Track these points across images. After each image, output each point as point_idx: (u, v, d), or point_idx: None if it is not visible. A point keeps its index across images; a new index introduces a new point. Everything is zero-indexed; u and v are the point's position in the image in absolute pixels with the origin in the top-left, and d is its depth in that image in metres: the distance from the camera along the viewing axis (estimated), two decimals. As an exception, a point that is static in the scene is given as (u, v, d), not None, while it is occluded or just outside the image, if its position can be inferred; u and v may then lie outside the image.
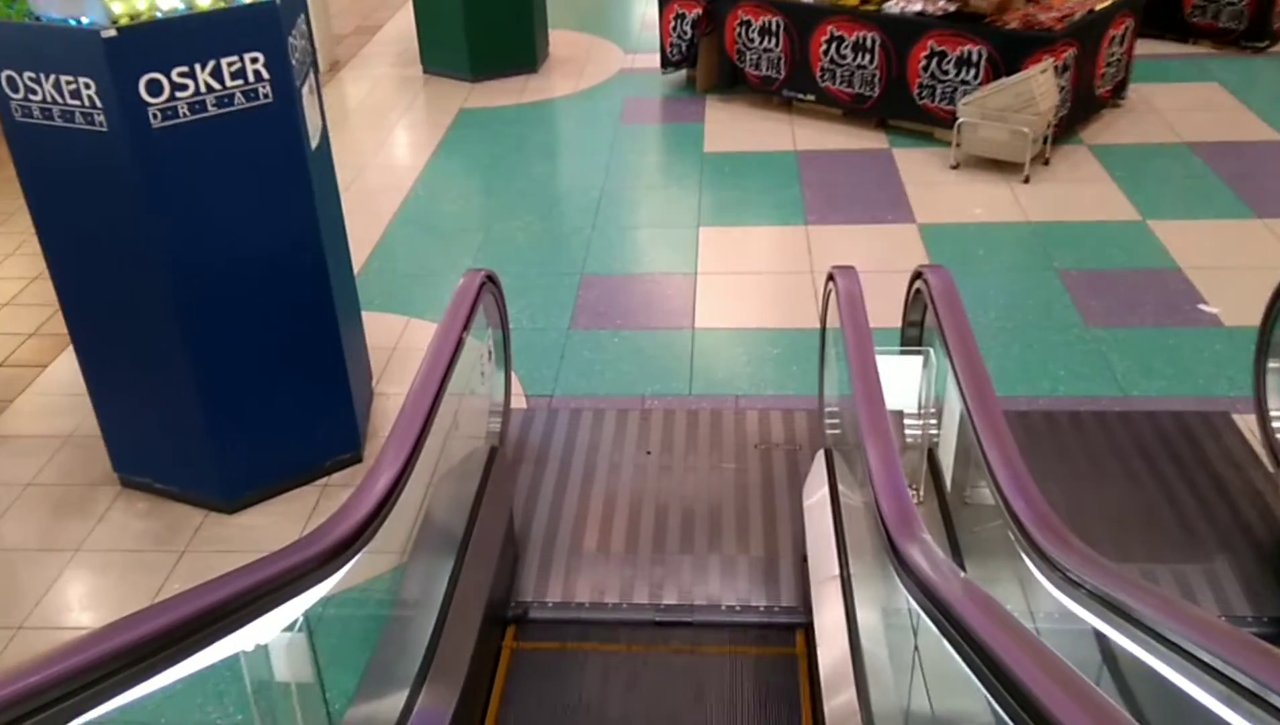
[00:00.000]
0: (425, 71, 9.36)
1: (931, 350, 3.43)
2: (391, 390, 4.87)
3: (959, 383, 3.03)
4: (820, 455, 3.80)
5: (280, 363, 4.00)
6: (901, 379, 3.48)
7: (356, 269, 5.98)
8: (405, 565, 3.68)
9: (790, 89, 7.94)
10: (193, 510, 4.18)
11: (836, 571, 3.23)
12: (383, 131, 8.21)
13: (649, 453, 4.38)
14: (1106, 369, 4.78)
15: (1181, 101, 7.88)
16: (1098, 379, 4.72)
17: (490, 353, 3.89)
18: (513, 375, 4.90)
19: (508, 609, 3.65)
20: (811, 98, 7.84)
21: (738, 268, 5.87)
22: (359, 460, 4.41)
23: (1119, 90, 7.72)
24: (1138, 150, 7.10)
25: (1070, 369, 4.79)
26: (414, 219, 6.69)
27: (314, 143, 3.86)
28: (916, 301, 3.79)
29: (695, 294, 5.60)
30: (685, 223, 6.43)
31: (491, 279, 3.79)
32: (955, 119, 6.86)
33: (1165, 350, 4.90)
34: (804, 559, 3.63)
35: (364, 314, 4.98)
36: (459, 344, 3.27)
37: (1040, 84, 6.46)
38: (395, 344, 5.24)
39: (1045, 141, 6.80)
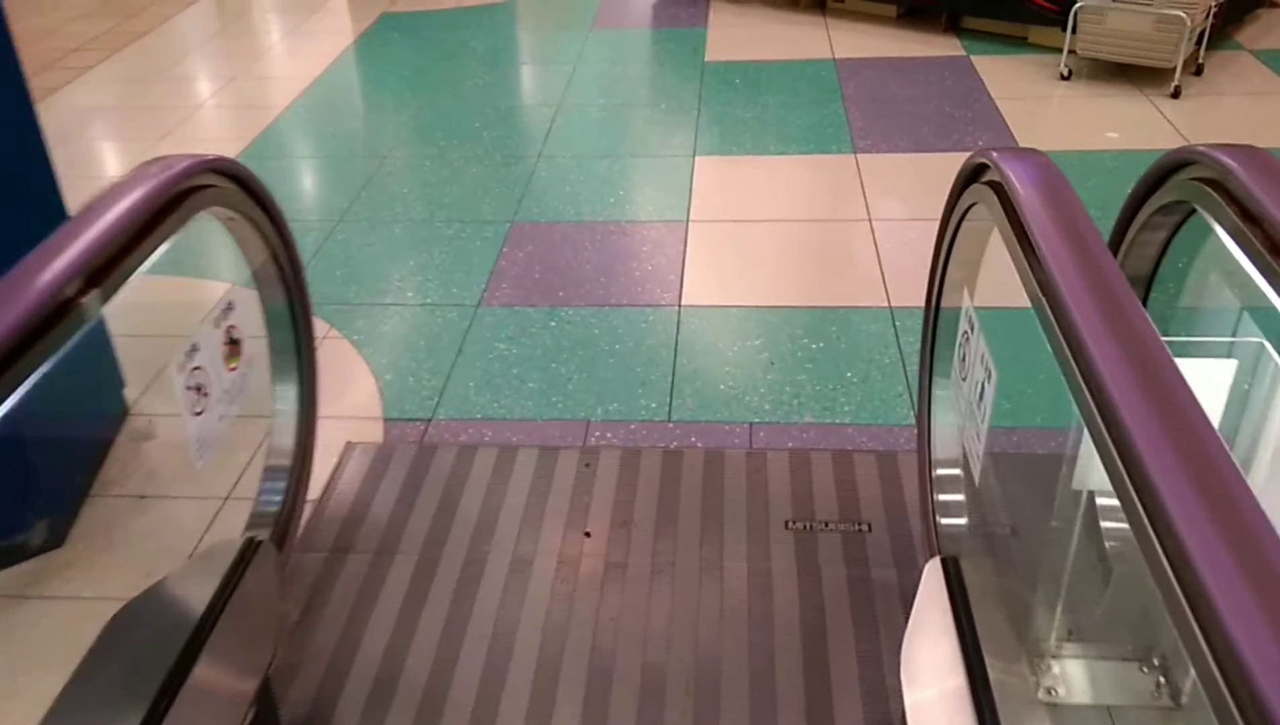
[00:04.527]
0: (348, -27, 7.36)
1: (1266, 343, 1.43)
2: (166, 408, 2.89)
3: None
4: (934, 570, 1.83)
5: None
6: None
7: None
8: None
9: (825, -21, 5.90)
10: None
11: None
12: (271, 37, 6.20)
13: (588, 534, 2.40)
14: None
15: (1362, 1, 5.83)
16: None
17: (239, 338, 1.89)
18: (373, 384, 2.93)
19: None
20: (855, -10, 5.81)
21: (751, 213, 3.87)
22: (56, 544, 2.43)
23: (1283, -20, 5.67)
24: (1326, 56, 5.07)
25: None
26: (284, 143, 4.69)
27: None
28: (1152, 228, 1.80)
29: (685, 252, 3.61)
30: (674, 150, 4.43)
31: (241, 181, 1.80)
32: (1067, 8, 4.83)
33: None
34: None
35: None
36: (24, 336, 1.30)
37: (1207, -55, 4.43)
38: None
39: (1201, 39, 4.77)
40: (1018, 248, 1.41)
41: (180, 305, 3.11)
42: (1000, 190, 1.55)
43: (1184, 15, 4.43)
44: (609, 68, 5.48)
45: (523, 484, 2.56)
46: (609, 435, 2.72)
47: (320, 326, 3.23)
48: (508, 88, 5.29)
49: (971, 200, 1.76)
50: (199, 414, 1.66)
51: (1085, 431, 1.75)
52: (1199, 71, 4.86)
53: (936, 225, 2.00)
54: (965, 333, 1.78)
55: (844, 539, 2.35)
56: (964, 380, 1.77)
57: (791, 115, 4.73)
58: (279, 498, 2.04)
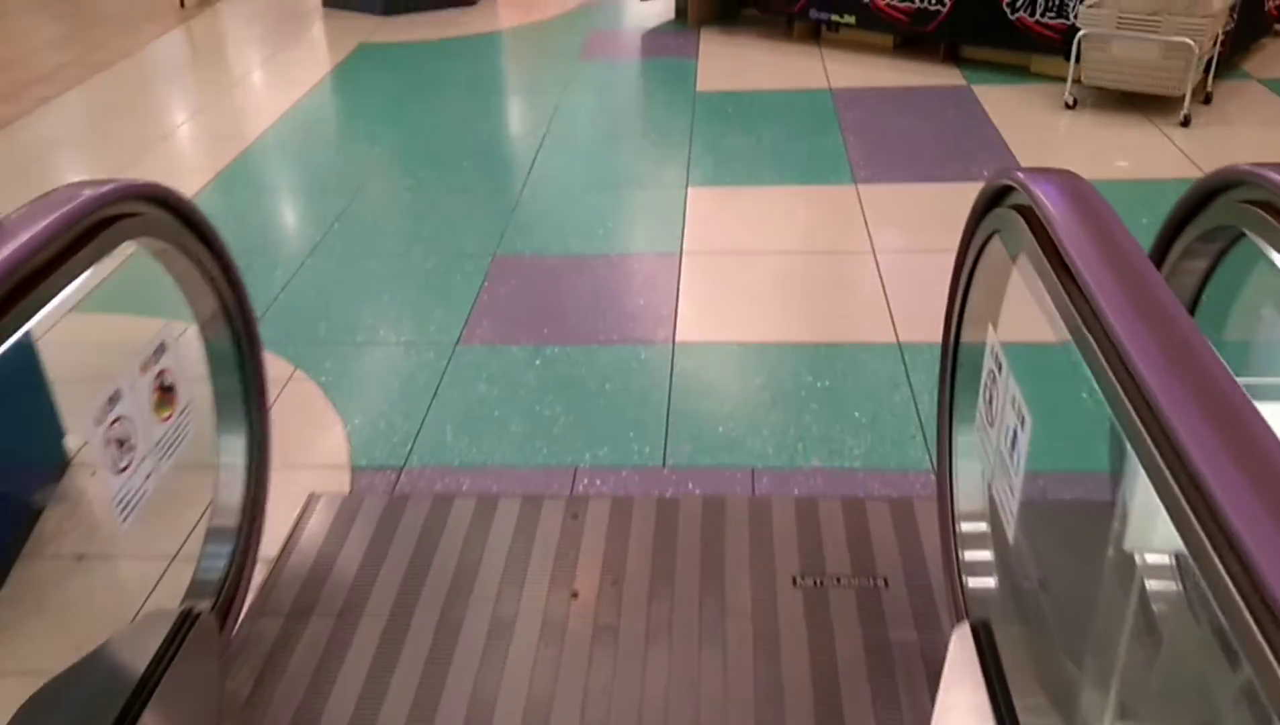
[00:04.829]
0: (325, 5, 7.30)
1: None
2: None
3: None
4: (963, 637, 1.66)
5: None
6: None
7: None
8: None
9: (820, 8, 5.85)
10: None
11: None
12: (242, 69, 6.09)
13: (575, 594, 2.21)
14: None
15: (1368, 31, 5.79)
16: None
17: (172, 384, 1.71)
18: (341, 429, 2.75)
19: None
20: (851, 20, 5.75)
21: (748, 245, 3.74)
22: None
23: (1289, 9, 5.64)
24: (1337, 85, 5.01)
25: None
26: (253, 174, 4.55)
27: None
28: (1193, 256, 1.67)
29: (678, 286, 3.46)
30: (665, 180, 4.30)
31: (176, 210, 1.63)
32: (1069, 36, 4.76)
33: None
34: None
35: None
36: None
37: (1215, -31, 4.37)
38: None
39: (1209, 67, 4.70)
40: (1053, 277, 1.27)
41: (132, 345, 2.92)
42: (1030, 215, 1.40)
43: (1192, 42, 4.36)
44: (597, 98, 5.38)
45: (503, 537, 2.37)
46: (598, 483, 2.54)
47: (284, 367, 3.06)
48: (491, 119, 5.18)
49: (994, 227, 1.62)
50: (123, 471, 1.48)
51: (1134, 481, 1.58)
52: (1208, 100, 4.79)
53: (945, 257, 1.86)
54: (991, 373, 1.62)
55: (858, 596, 2.17)
56: (991, 426, 1.61)
57: (788, 145, 4.62)
58: (223, 563, 1.85)
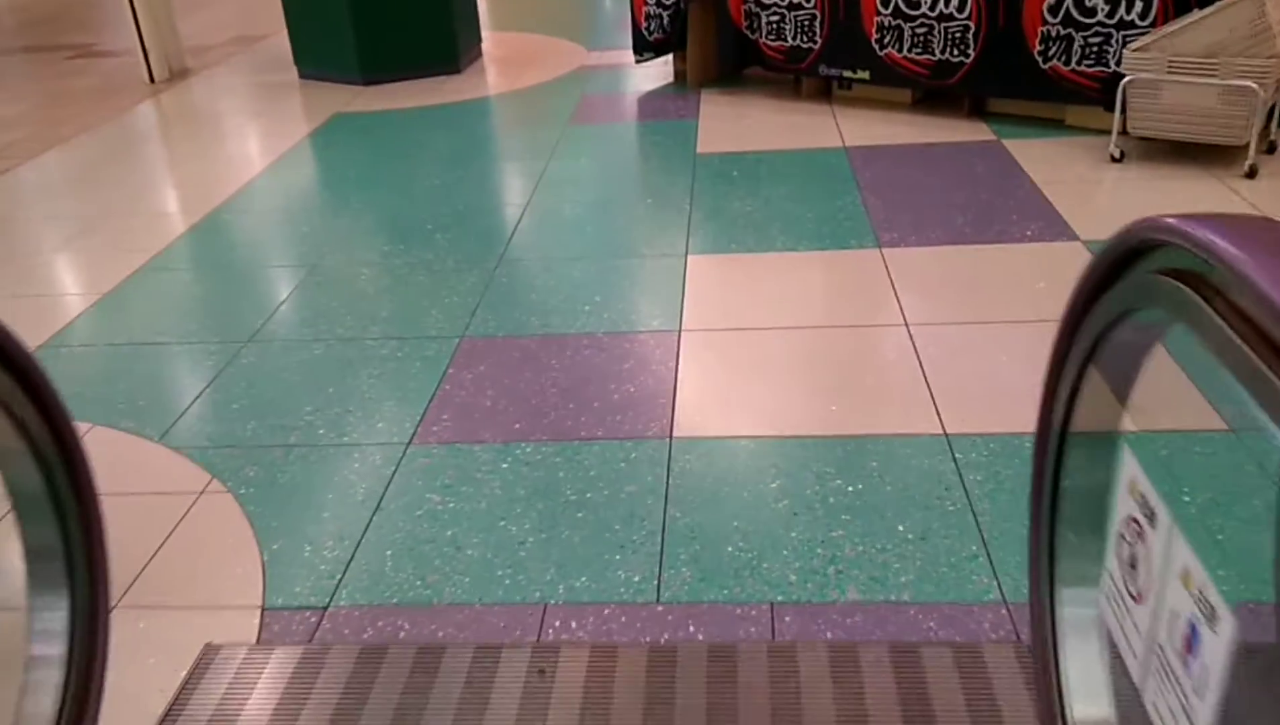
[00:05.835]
0: (301, 76, 7.04)
1: None
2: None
3: None
4: None
5: None
6: None
7: (50, 332, 3.40)
8: None
9: (830, 64, 5.49)
10: None
11: None
12: (205, 142, 5.75)
13: (538, 787, 1.69)
14: None
15: None
16: None
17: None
18: (256, 555, 2.26)
19: None
20: (865, 75, 5.39)
21: (759, 320, 3.27)
22: None
23: (1347, 53, 5.25)
24: None
25: None
26: (195, 252, 4.13)
27: None
28: None
29: (677, 369, 2.99)
30: (662, 249, 3.87)
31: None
32: (1109, 85, 4.37)
33: None
34: None
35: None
36: None
37: (1277, 5, 3.98)
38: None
39: (1273, 112, 4.29)
40: (1270, 377, 0.76)
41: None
42: (1203, 284, 0.87)
43: (1256, 86, 3.95)
44: (587, 164, 4.99)
45: (447, 701, 1.85)
46: (573, 625, 2.03)
47: (198, 477, 2.58)
48: (468, 187, 4.78)
49: (1127, 304, 1.08)
50: None
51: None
52: (1271, 149, 4.37)
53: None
54: (1134, 524, 1.11)
55: (920, 787, 1.65)
56: (1135, 601, 1.10)
57: (800, 208, 4.19)
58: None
